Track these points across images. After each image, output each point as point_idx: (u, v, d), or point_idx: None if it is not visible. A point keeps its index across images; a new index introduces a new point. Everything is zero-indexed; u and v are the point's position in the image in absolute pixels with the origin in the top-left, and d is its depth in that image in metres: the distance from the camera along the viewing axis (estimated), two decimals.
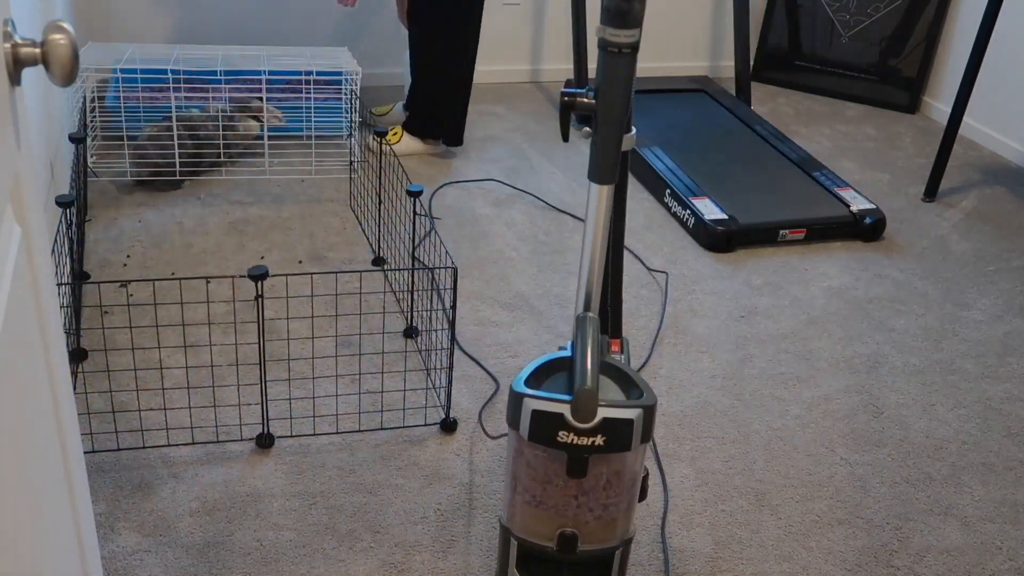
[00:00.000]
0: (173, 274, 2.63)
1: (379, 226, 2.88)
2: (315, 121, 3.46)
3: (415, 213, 2.36)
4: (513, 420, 1.51)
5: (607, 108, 1.49)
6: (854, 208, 3.18)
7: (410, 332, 2.49)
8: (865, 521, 2.05)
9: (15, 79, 0.97)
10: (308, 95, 3.45)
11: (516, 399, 1.49)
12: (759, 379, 2.47)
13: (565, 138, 1.71)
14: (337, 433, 2.16)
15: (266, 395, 2.10)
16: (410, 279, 2.53)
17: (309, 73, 3.37)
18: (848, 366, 2.54)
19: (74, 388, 2.30)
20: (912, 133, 4.10)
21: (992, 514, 2.10)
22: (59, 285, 2.12)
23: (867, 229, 3.15)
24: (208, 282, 2.53)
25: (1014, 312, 2.84)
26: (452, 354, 2.15)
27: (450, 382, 2.18)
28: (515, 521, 1.60)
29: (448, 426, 2.19)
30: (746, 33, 4.04)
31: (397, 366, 2.36)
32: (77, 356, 2.29)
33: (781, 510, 2.06)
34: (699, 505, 2.06)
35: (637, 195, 3.37)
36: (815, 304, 2.80)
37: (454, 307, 2.07)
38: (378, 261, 2.78)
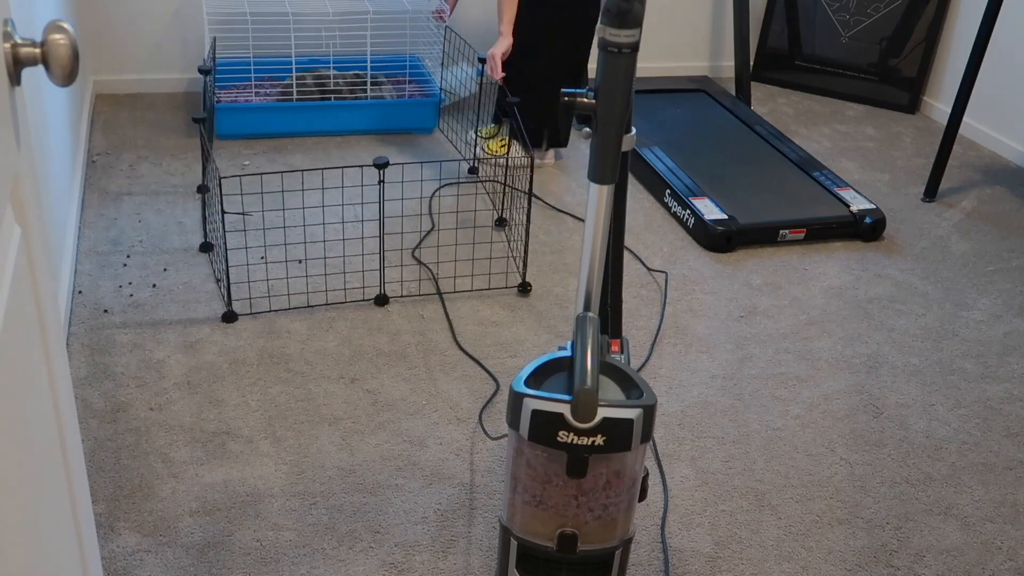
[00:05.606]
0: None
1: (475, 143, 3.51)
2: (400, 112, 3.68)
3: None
4: (513, 420, 1.51)
5: (607, 108, 1.49)
6: (854, 208, 3.18)
7: (500, 222, 3.07)
8: (865, 521, 2.05)
9: (15, 79, 0.97)
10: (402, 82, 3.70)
11: (516, 399, 1.49)
12: (759, 379, 2.47)
13: (565, 138, 1.70)
14: (438, 293, 2.69)
15: (384, 262, 2.63)
16: (503, 183, 3.20)
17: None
18: (848, 366, 2.54)
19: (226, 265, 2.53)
20: (912, 133, 4.10)
21: (992, 514, 2.10)
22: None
23: (867, 229, 3.15)
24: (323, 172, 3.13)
25: (1014, 312, 2.84)
26: (528, 230, 2.75)
27: (526, 252, 2.75)
28: (515, 521, 1.60)
29: (523, 288, 2.73)
30: (746, 33, 4.04)
31: (496, 245, 2.98)
32: (205, 248, 2.83)
33: (781, 510, 2.06)
34: (699, 505, 2.06)
35: (637, 195, 3.37)
36: (815, 304, 2.80)
37: (531, 191, 2.72)
38: (473, 170, 3.42)
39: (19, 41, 0.95)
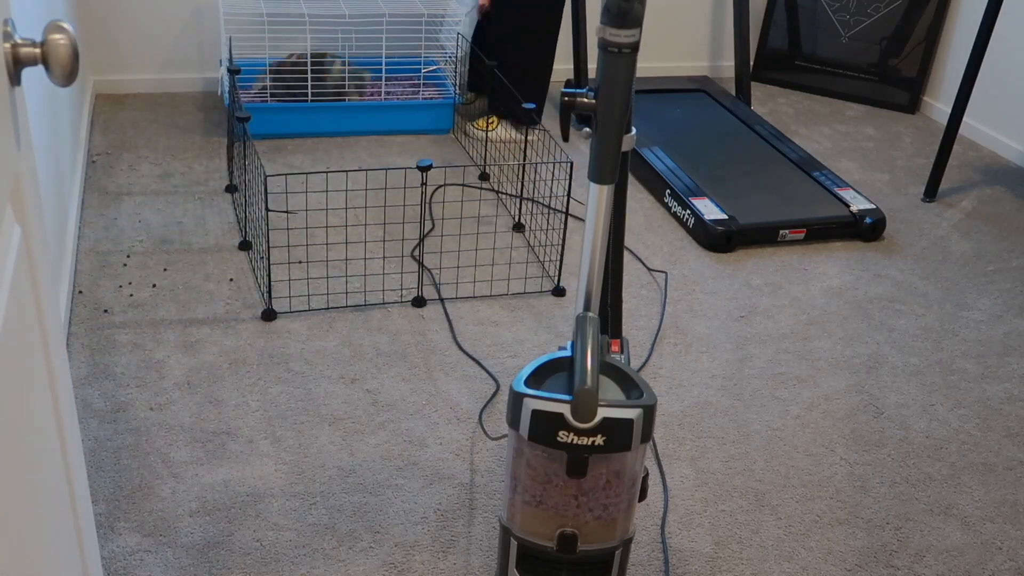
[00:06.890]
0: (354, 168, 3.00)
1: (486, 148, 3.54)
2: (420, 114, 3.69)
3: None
4: (513, 420, 1.51)
5: (607, 108, 1.49)
6: (854, 208, 3.18)
7: (518, 227, 3.08)
8: (865, 521, 2.05)
9: (15, 79, 0.97)
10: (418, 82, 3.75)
11: (516, 399, 1.49)
12: (759, 379, 2.47)
13: (565, 138, 1.71)
14: (474, 297, 2.68)
15: (422, 263, 2.74)
16: (520, 184, 3.21)
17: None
18: (848, 366, 2.54)
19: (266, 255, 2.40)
20: (912, 133, 4.10)
21: (992, 514, 2.10)
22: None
23: (867, 229, 3.15)
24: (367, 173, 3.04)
25: (1014, 312, 2.84)
26: (564, 234, 2.78)
27: (562, 255, 2.77)
28: (515, 521, 1.60)
29: (558, 291, 2.74)
30: (746, 33, 4.04)
31: (516, 250, 3.00)
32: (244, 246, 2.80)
33: (781, 510, 2.06)
34: (699, 505, 2.06)
35: (637, 195, 3.37)
36: (815, 304, 2.80)
37: (568, 194, 2.74)
38: (483, 176, 3.40)
39: (19, 41, 0.95)
